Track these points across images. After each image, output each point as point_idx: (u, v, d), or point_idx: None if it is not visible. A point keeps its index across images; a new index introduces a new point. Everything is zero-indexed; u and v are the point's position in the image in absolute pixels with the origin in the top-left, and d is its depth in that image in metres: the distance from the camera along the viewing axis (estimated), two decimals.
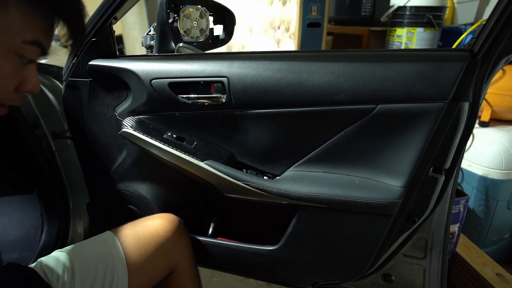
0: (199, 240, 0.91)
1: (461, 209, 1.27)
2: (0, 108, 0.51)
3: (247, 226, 0.98)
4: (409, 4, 2.00)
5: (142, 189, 0.93)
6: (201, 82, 0.81)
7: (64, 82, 0.88)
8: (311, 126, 0.80)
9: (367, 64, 0.74)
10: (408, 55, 0.78)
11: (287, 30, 1.91)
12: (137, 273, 0.72)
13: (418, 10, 1.99)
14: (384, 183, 0.78)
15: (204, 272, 0.92)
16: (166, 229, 0.78)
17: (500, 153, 1.36)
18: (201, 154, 0.81)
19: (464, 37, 1.68)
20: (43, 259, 0.68)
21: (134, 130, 0.81)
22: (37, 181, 1.00)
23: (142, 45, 1.06)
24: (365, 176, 0.79)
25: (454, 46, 1.68)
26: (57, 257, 0.68)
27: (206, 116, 0.83)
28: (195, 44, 1.01)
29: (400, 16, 2.06)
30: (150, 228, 0.77)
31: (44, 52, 0.48)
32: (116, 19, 0.83)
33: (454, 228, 1.29)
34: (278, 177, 0.85)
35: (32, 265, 0.66)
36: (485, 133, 1.44)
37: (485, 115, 1.48)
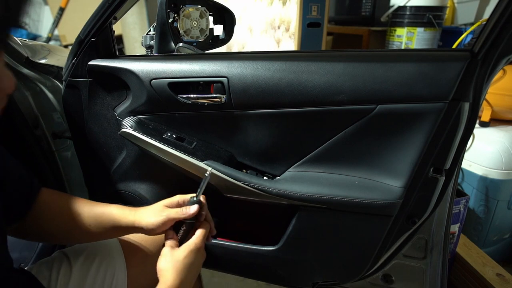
0: None
1: (461, 209, 1.27)
2: None
3: (247, 226, 0.98)
4: (409, 4, 2.00)
5: (142, 189, 0.93)
6: (201, 82, 0.80)
7: (64, 82, 0.87)
8: (311, 126, 0.79)
9: (367, 64, 0.74)
10: (408, 55, 0.77)
11: (287, 30, 1.91)
12: (137, 274, 0.72)
13: (418, 10, 1.98)
14: (384, 184, 0.77)
15: (204, 272, 0.92)
16: None
17: (500, 153, 1.35)
18: (200, 154, 0.81)
19: (464, 37, 1.68)
20: (43, 260, 0.68)
21: (134, 130, 0.81)
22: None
23: (142, 45, 1.06)
24: (365, 177, 0.79)
25: (454, 46, 1.68)
26: (56, 258, 0.68)
27: (206, 116, 0.83)
28: (195, 44, 1.01)
29: (400, 16, 2.06)
30: None
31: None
32: (116, 19, 0.83)
33: (455, 228, 1.29)
34: (278, 177, 0.85)
35: (31, 266, 0.66)
36: (485, 133, 1.44)
37: (485, 115, 1.47)
